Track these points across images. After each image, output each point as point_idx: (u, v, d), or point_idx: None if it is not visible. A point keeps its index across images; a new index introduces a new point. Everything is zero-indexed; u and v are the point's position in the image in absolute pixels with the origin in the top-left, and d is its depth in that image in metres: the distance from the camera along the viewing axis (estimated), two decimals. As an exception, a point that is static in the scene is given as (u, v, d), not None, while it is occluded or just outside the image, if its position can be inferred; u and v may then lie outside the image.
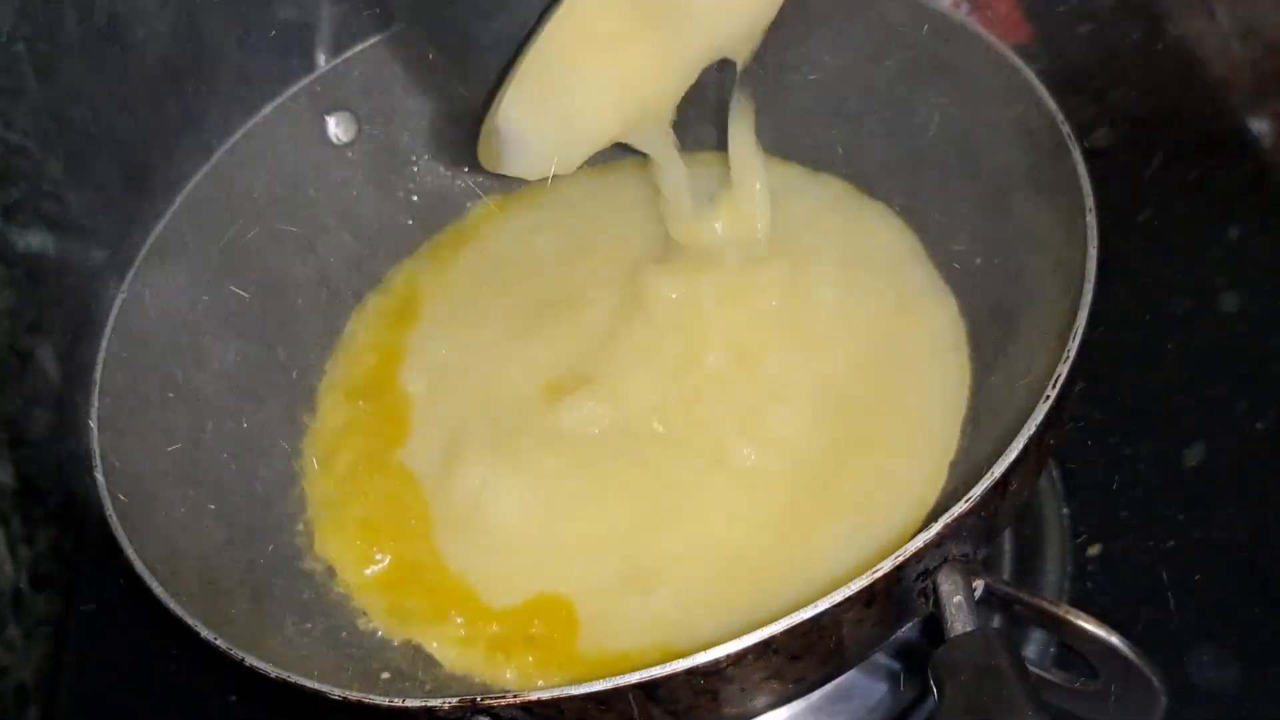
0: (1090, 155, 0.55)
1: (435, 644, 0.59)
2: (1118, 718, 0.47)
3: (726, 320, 0.66)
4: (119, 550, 0.51)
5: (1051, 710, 0.43)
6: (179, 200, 0.66)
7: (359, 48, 0.74)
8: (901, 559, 0.43)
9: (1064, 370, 0.47)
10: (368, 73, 0.75)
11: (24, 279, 0.77)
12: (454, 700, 0.43)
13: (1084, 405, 0.72)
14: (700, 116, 0.77)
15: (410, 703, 0.43)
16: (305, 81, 0.73)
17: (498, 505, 0.62)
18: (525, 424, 0.66)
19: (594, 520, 0.61)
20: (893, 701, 0.62)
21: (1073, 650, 0.45)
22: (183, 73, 0.82)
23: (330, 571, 0.63)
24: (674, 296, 0.67)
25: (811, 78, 0.73)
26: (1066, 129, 0.56)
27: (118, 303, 0.61)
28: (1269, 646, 0.63)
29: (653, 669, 0.41)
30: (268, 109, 0.71)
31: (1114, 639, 0.43)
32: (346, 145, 0.76)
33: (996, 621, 0.49)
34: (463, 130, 0.56)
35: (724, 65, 0.68)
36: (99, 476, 0.54)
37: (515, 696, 0.42)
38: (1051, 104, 0.57)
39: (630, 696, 0.42)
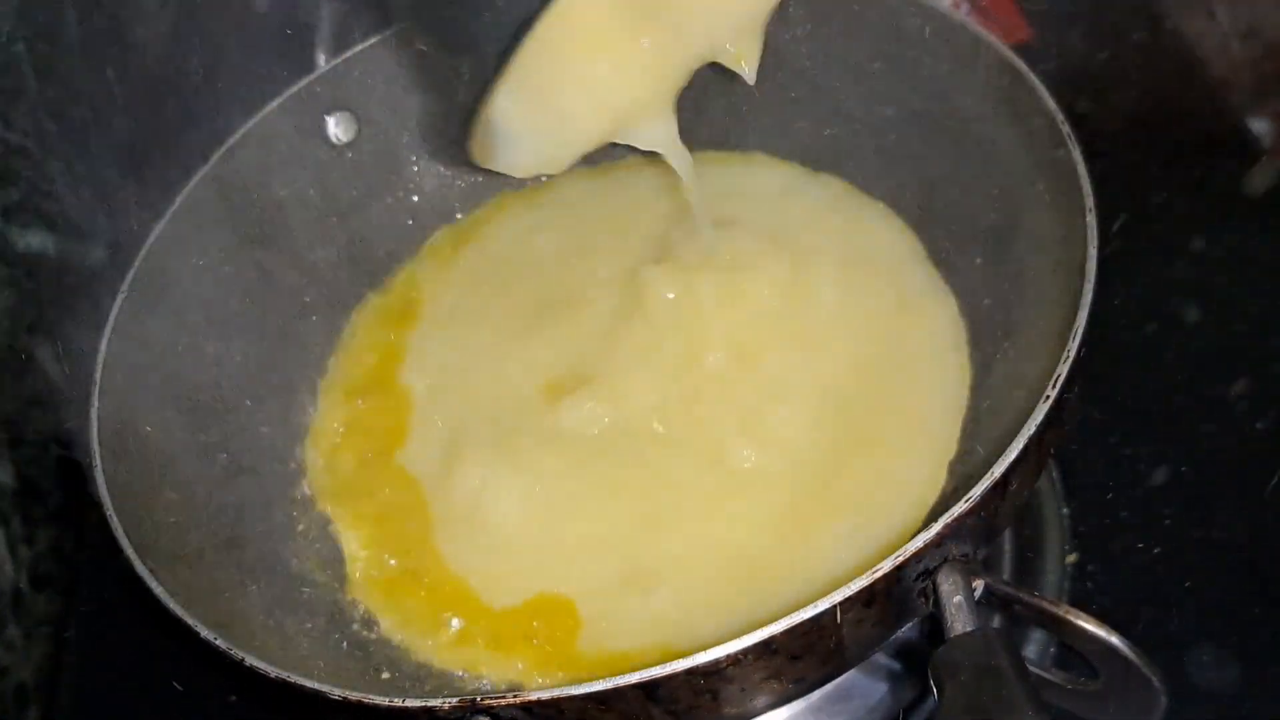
0: (1090, 155, 0.55)
1: (435, 643, 0.59)
2: (1118, 718, 0.47)
3: (726, 320, 0.66)
4: (119, 550, 0.51)
5: (1051, 710, 0.44)
6: (179, 200, 0.66)
7: (359, 48, 0.74)
8: (901, 559, 0.43)
9: (1064, 370, 0.47)
10: (368, 73, 0.75)
11: (24, 279, 0.77)
12: (454, 700, 0.43)
13: (1084, 405, 0.72)
14: (700, 117, 0.78)
15: (410, 702, 0.43)
16: (305, 81, 0.73)
17: (498, 505, 0.62)
18: (525, 424, 0.66)
19: (594, 520, 0.61)
20: (893, 701, 0.62)
21: (1073, 650, 0.45)
22: (183, 73, 0.82)
23: (330, 571, 0.63)
24: (672, 296, 0.67)
25: (811, 78, 0.73)
26: (1066, 129, 0.56)
27: (118, 303, 0.61)
28: (1269, 646, 0.63)
29: (653, 669, 0.41)
30: (268, 109, 0.71)
31: (1114, 639, 0.43)
32: (346, 145, 0.76)
33: (996, 621, 0.49)
34: (462, 129, 0.56)
35: (720, 64, 0.68)
36: (99, 476, 0.54)
37: (515, 696, 0.42)
38: (1051, 104, 0.57)
39: (630, 696, 0.42)
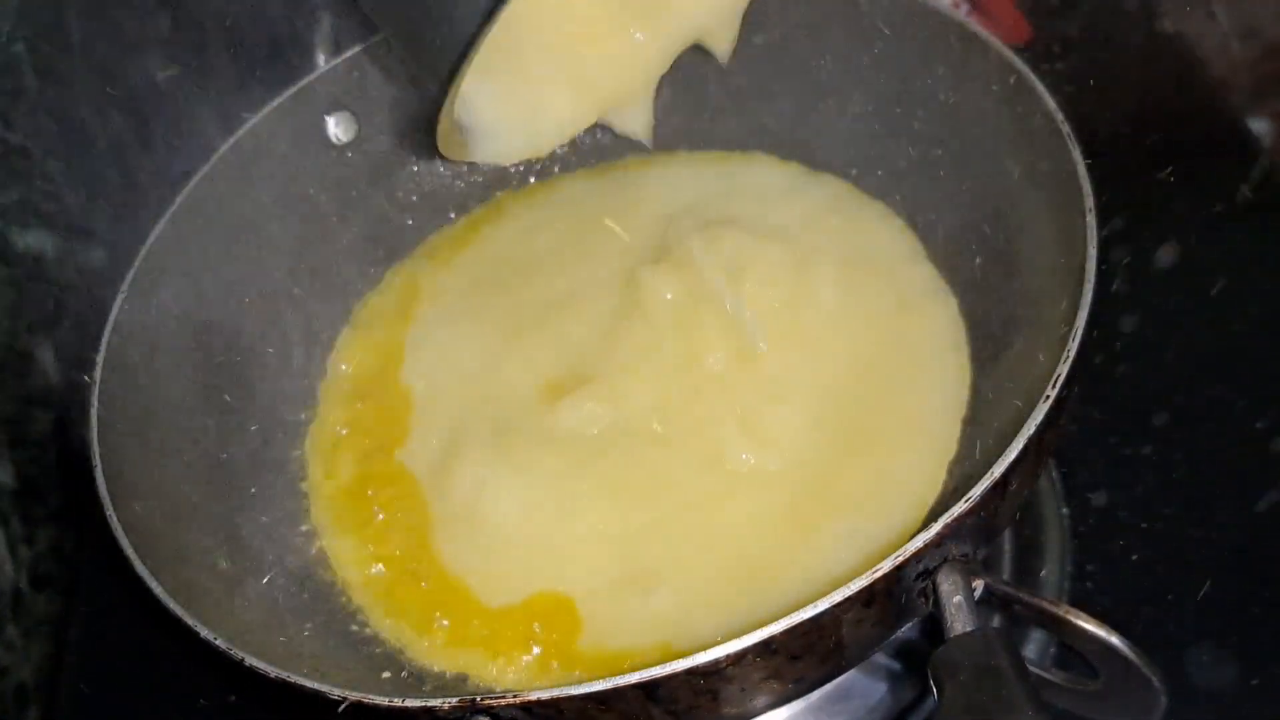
0: (1090, 155, 0.55)
1: (434, 643, 0.59)
2: (1117, 717, 0.47)
3: (725, 320, 0.66)
4: (119, 550, 0.51)
5: (1051, 710, 0.44)
6: (179, 200, 0.66)
7: (359, 48, 0.74)
8: (901, 559, 0.43)
9: (1063, 370, 0.47)
10: (368, 73, 0.75)
11: (24, 279, 0.77)
12: (454, 700, 0.43)
13: (1083, 405, 0.72)
14: (700, 117, 0.78)
15: (410, 702, 0.43)
16: (305, 82, 0.73)
17: (497, 505, 0.62)
18: (525, 424, 0.66)
19: (593, 520, 0.61)
20: (892, 701, 0.62)
21: (1072, 650, 0.45)
22: (183, 73, 0.81)
23: (330, 571, 0.63)
24: (671, 297, 0.67)
25: (812, 78, 0.73)
26: (1066, 129, 0.56)
27: (118, 303, 0.61)
28: (1268, 646, 0.63)
29: (653, 669, 0.41)
30: (268, 109, 0.71)
31: (1113, 639, 0.43)
32: (346, 145, 0.76)
33: (996, 621, 0.49)
34: (428, 124, 0.55)
35: (719, 64, 0.68)
36: (99, 476, 0.54)
37: (515, 696, 0.42)
38: (1051, 104, 0.57)
39: (630, 696, 0.42)
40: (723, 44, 0.61)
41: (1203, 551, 0.66)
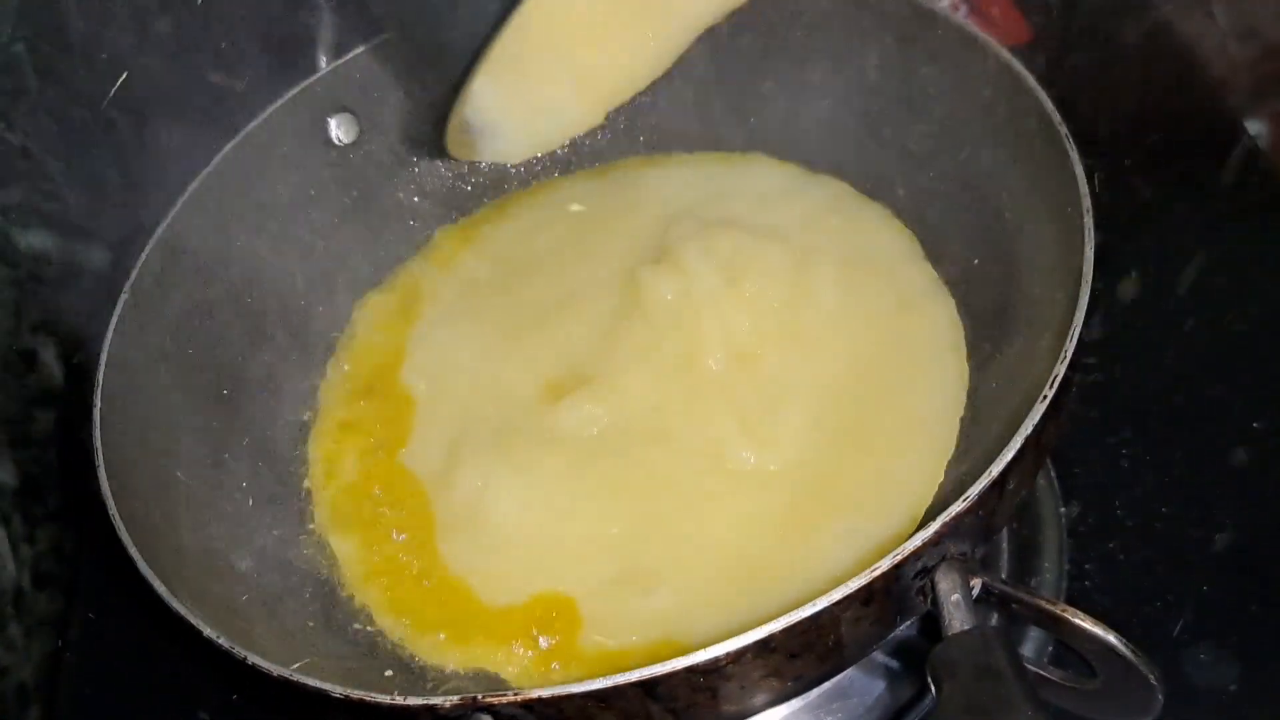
0: (1088, 156, 0.55)
1: (436, 642, 0.59)
2: (1115, 715, 0.47)
3: (725, 321, 0.67)
4: (121, 549, 0.51)
5: (1049, 708, 0.44)
6: (181, 201, 0.66)
7: (360, 49, 0.74)
8: (900, 557, 0.43)
9: (1061, 370, 0.47)
10: (369, 74, 0.75)
11: (26, 279, 0.77)
12: (455, 699, 0.43)
13: (1082, 405, 0.72)
14: (700, 117, 0.78)
15: (412, 701, 0.44)
16: (307, 83, 0.73)
17: (498, 505, 0.62)
18: (525, 424, 0.66)
19: (594, 519, 0.61)
20: (891, 699, 0.62)
21: (1070, 648, 0.45)
22: (185, 73, 0.82)
23: (333, 571, 0.63)
24: (671, 297, 0.67)
25: (811, 79, 0.73)
26: (1064, 130, 0.56)
27: (120, 303, 0.61)
28: (1266, 645, 0.63)
29: (653, 667, 0.41)
30: (270, 110, 0.72)
31: (1111, 637, 0.43)
32: (348, 146, 0.76)
33: (994, 620, 0.49)
34: (436, 125, 0.55)
35: (720, 65, 0.68)
36: (102, 475, 0.54)
37: (516, 694, 0.42)
38: (1049, 105, 0.57)
39: (630, 694, 0.42)
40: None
41: (1200, 551, 0.66)
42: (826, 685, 0.62)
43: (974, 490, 0.44)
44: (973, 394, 0.62)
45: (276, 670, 0.46)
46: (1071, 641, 0.45)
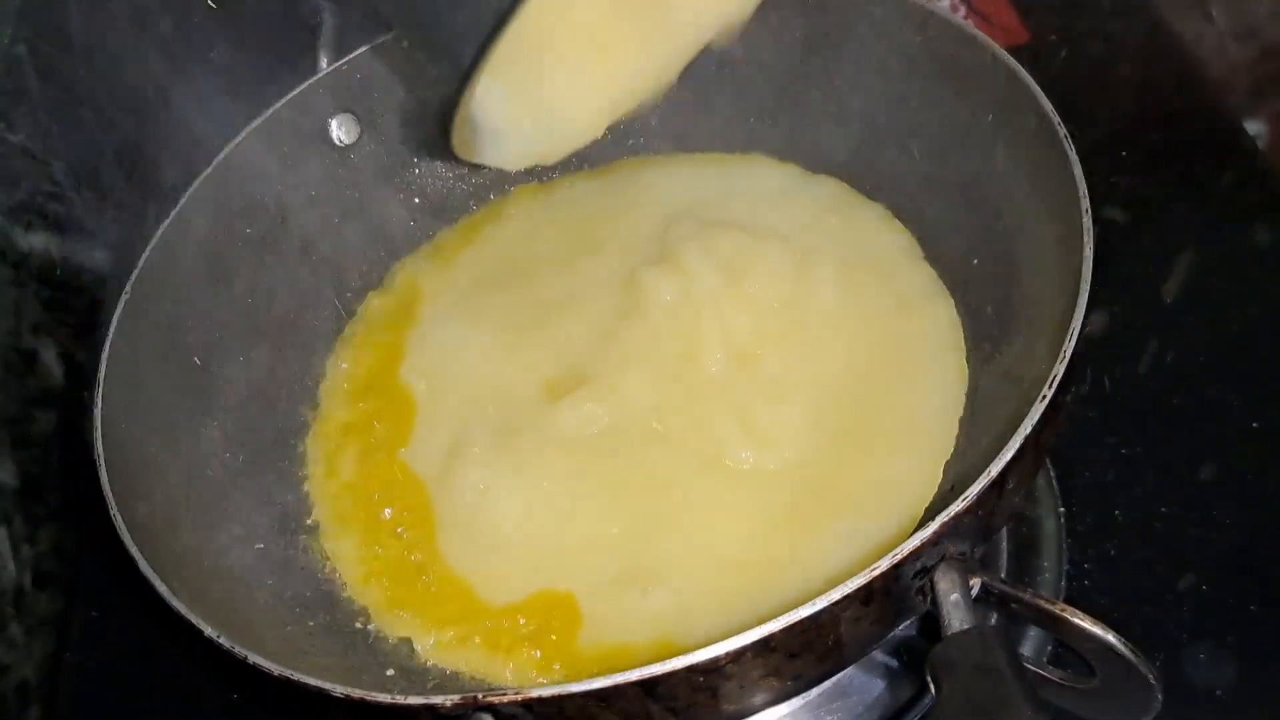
0: (1086, 156, 0.55)
1: (437, 641, 0.59)
2: (1114, 715, 0.47)
3: (725, 321, 0.67)
4: (122, 549, 0.51)
5: (1048, 707, 0.44)
6: (182, 201, 0.66)
7: (361, 50, 0.75)
8: (899, 557, 0.43)
9: (1060, 370, 0.48)
10: (370, 75, 0.75)
11: (28, 279, 0.77)
12: (456, 698, 0.43)
13: (1081, 405, 0.73)
14: (699, 118, 0.78)
15: (412, 700, 0.44)
16: (308, 84, 0.73)
17: (499, 505, 0.63)
18: (526, 424, 0.66)
19: (594, 519, 0.62)
20: (890, 699, 0.62)
21: (1069, 648, 0.45)
22: (186, 74, 0.82)
23: (333, 570, 0.63)
24: (670, 298, 0.68)
25: (810, 80, 0.74)
26: (1063, 131, 0.56)
27: (121, 303, 0.61)
28: (1265, 645, 0.63)
29: (653, 666, 0.41)
30: (270, 111, 0.72)
31: (1110, 637, 0.44)
32: (349, 147, 0.76)
33: (994, 619, 0.49)
34: (443, 123, 0.55)
35: (719, 66, 0.68)
36: (103, 476, 0.54)
37: (517, 693, 0.42)
38: (1048, 105, 0.57)
39: (630, 694, 0.42)
40: (726, 37, 0.61)
41: (1200, 550, 0.67)
42: (826, 684, 0.62)
43: (973, 490, 0.44)
44: (972, 394, 0.62)
45: (277, 669, 0.46)
46: (1070, 641, 0.45)
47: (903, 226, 0.71)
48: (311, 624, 0.59)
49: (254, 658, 0.46)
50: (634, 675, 0.42)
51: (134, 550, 0.51)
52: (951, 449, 0.60)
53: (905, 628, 0.50)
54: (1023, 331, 0.60)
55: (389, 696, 0.44)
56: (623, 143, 0.80)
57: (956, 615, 0.44)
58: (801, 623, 0.42)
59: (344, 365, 0.73)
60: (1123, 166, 0.82)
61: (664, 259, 0.70)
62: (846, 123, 0.73)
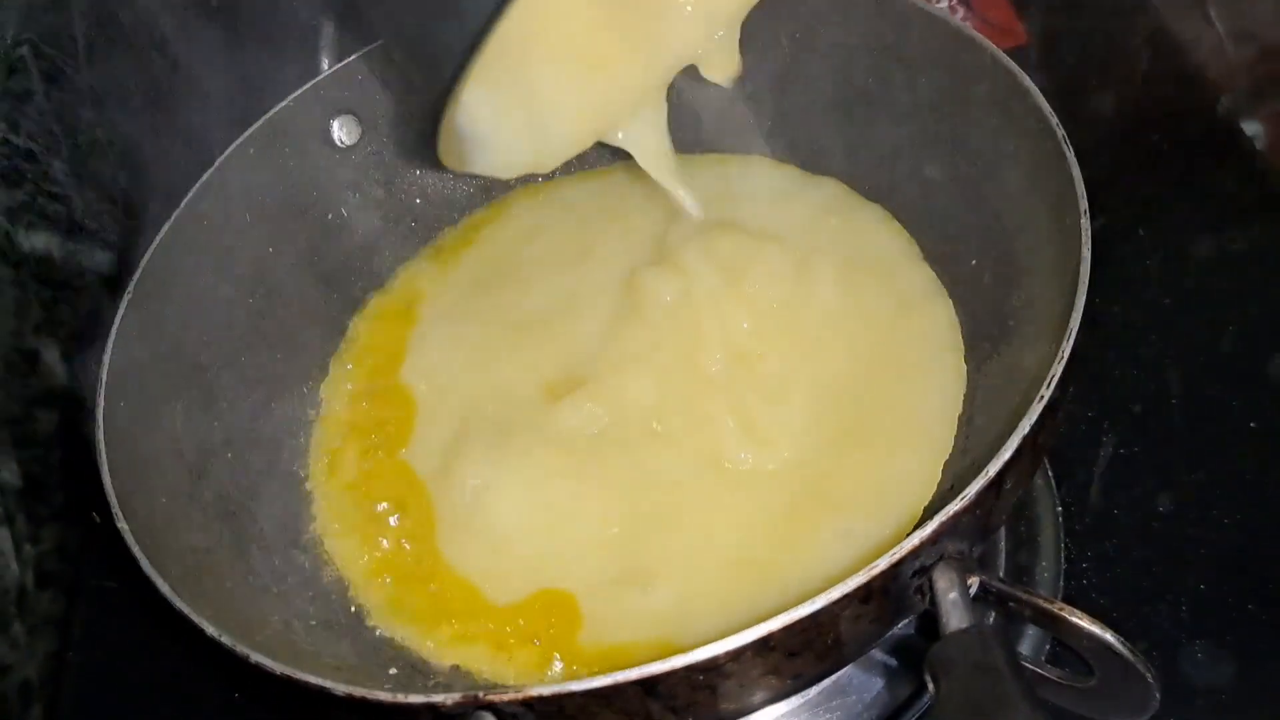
0: (1084, 158, 0.55)
1: (438, 640, 0.59)
2: (1112, 713, 0.48)
3: (724, 321, 0.67)
4: (124, 548, 0.51)
5: (1046, 706, 0.44)
6: (184, 202, 0.67)
7: (362, 51, 0.75)
8: (898, 556, 0.43)
9: (1058, 370, 0.48)
10: (371, 76, 0.75)
11: (30, 280, 0.77)
12: (457, 696, 0.43)
13: (1079, 405, 0.73)
14: (698, 119, 0.78)
15: (414, 699, 0.44)
16: (309, 85, 0.73)
17: (499, 504, 0.63)
18: (526, 424, 0.66)
19: (594, 519, 0.62)
20: (889, 697, 0.62)
21: (1067, 647, 0.45)
22: (188, 75, 0.82)
23: (335, 570, 0.63)
24: (670, 298, 0.68)
25: (809, 82, 0.74)
26: (1061, 132, 0.56)
27: (123, 304, 0.62)
28: (1263, 644, 0.63)
29: (653, 665, 0.42)
30: (272, 112, 0.72)
31: (1108, 636, 0.44)
32: (350, 148, 0.76)
33: (992, 618, 0.49)
34: (429, 133, 0.55)
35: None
36: (105, 475, 0.54)
37: (517, 692, 0.43)
38: (1046, 107, 0.58)
39: (630, 693, 0.43)
40: (723, 70, 0.61)
41: (1198, 550, 0.67)
42: (825, 683, 0.62)
43: (971, 489, 0.45)
44: (971, 394, 0.62)
45: (279, 668, 0.46)
46: (1069, 640, 0.45)
47: (902, 227, 0.71)
48: (313, 623, 0.59)
49: (256, 657, 0.46)
50: (634, 674, 0.42)
51: (136, 550, 0.51)
52: (950, 449, 0.60)
53: (904, 626, 0.50)
54: (1021, 331, 0.60)
55: (390, 695, 0.44)
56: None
57: (955, 614, 0.44)
58: (801, 622, 0.42)
59: (346, 365, 0.73)
60: (1121, 167, 0.83)
61: (664, 259, 0.70)
62: (846, 124, 0.73)
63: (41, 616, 0.75)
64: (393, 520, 0.64)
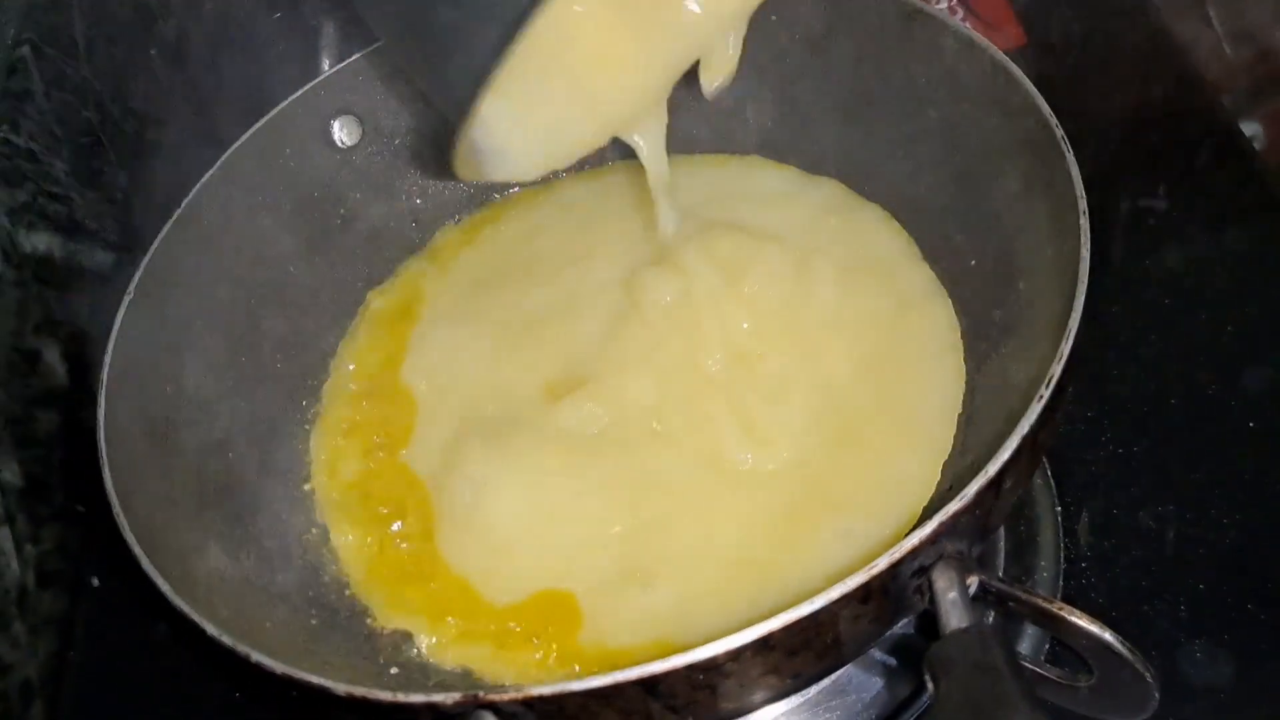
0: (1083, 158, 0.55)
1: (438, 640, 0.59)
2: (1111, 713, 0.48)
3: (724, 321, 0.67)
4: (125, 548, 0.51)
5: (1045, 705, 0.44)
6: (185, 203, 0.67)
7: (363, 52, 0.75)
8: (897, 556, 0.43)
9: (1057, 370, 0.48)
10: (372, 77, 0.76)
11: (31, 280, 0.77)
12: (457, 696, 0.43)
13: (1078, 405, 0.73)
14: (698, 120, 0.78)
15: (414, 698, 0.44)
16: (310, 86, 0.73)
17: (499, 504, 0.63)
18: (526, 424, 0.66)
19: (594, 518, 0.62)
20: (888, 696, 0.62)
21: (1067, 646, 0.46)
22: (188, 76, 0.82)
23: (335, 569, 0.63)
24: (669, 298, 0.68)
25: (807, 82, 0.74)
26: (1060, 132, 0.56)
27: (124, 304, 0.62)
28: (1262, 644, 0.63)
29: (653, 664, 0.42)
30: (273, 113, 0.72)
31: (1107, 635, 0.44)
32: (351, 149, 0.76)
33: (991, 618, 0.49)
34: (444, 148, 0.56)
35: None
36: (106, 475, 0.54)
37: (518, 692, 0.43)
38: (1045, 108, 0.58)
39: (630, 692, 0.43)
40: (722, 71, 0.62)
41: (1197, 549, 0.67)
42: (825, 682, 0.62)
43: (971, 489, 0.45)
44: (970, 394, 0.62)
45: (280, 668, 0.46)
46: (1068, 639, 0.45)
47: (901, 227, 0.71)
48: (314, 623, 0.60)
49: (257, 656, 0.46)
50: (634, 673, 0.42)
51: (137, 549, 0.51)
52: (949, 448, 0.60)
53: (903, 626, 0.50)
54: (1021, 332, 0.60)
55: (391, 694, 0.44)
56: (622, 144, 0.80)
57: (954, 613, 0.44)
58: (800, 621, 0.42)
59: (346, 365, 0.73)
60: (1120, 168, 0.83)
61: (664, 259, 0.70)
62: (846, 125, 0.73)
63: (43, 616, 0.75)
64: (393, 520, 0.64)
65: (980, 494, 0.45)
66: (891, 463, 0.60)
